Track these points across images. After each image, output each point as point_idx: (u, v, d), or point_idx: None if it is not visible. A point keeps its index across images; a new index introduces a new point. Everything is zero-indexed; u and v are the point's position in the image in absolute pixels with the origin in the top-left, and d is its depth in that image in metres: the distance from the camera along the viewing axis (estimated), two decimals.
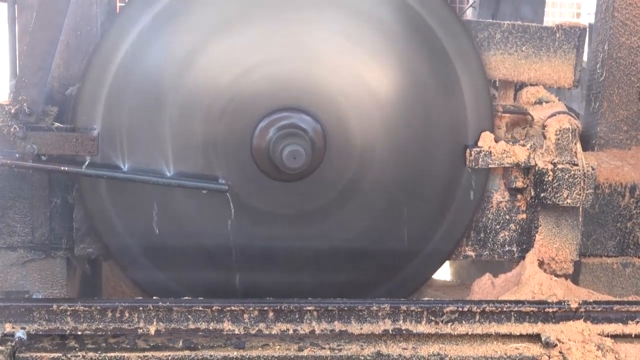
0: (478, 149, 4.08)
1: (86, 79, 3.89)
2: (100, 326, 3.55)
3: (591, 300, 3.79)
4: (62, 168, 3.88)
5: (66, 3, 3.84)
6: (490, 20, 4.42)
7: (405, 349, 3.63)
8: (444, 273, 5.79)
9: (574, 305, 3.72)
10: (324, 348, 3.61)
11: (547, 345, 3.64)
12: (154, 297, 3.72)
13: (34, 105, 3.86)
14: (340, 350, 3.60)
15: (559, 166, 4.10)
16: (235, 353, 3.55)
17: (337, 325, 3.63)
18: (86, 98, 3.89)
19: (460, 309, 3.67)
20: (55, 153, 3.88)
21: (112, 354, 3.51)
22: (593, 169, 4.11)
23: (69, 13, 3.89)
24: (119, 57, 3.87)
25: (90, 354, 3.50)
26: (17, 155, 3.85)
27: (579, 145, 4.13)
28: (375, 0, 3.97)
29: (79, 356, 3.48)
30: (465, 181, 4.13)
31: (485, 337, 3.70)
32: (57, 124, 3.91)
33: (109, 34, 3.89)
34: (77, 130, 3.88)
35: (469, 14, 6.43)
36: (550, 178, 4.10)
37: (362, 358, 3.57)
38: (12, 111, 3.84)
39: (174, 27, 3.88)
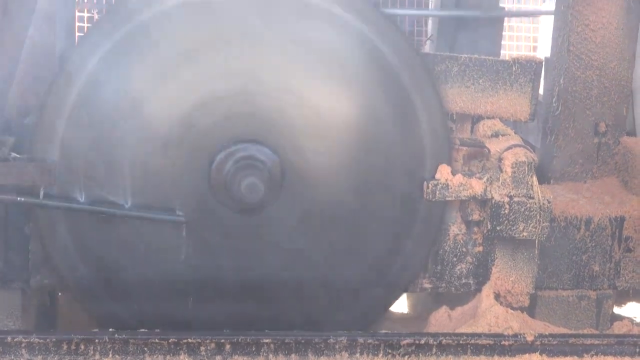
0: (435, 182, 4.09)
1: (44, 109, 3.87)
2: (55, 359, 3.52)
3: (547, 333, 3.81)
4: (19, 199, 3.85)
5: (24, 33, 3.83)
6: (448, 54, 4.45)
7: None
8: (401, 305, 5.79)
9: (529, 338, 3.74)
10: None
11: None
12: (110, 330, 3.69)
13: None
14: None
15: (515, 199, 4.12)
16: None
17: (294, 358, 3.62)
18: (44, 128, 3.87)
19: (417, 342, 3.67)
20: (11, 183, 3.85)
21: None
22: (549, 202, 4.14)
23: (27, 43, 3.88)
24: (77, 88, 3.85)
25: None
26: None
27: (535, 178, 4.16)
28: (335, 34, 3.99)
29: None
30: (422, 213, 4.14)
31: None
32: (14, 154, 3.88)
33: (68, 65, 3.87)
34: (35, 160, 3.85)
35: (427, 47, 6.47)
36: (506, 211, 4.12)
37: None
38: None
39: (132, 57, 3.88)
